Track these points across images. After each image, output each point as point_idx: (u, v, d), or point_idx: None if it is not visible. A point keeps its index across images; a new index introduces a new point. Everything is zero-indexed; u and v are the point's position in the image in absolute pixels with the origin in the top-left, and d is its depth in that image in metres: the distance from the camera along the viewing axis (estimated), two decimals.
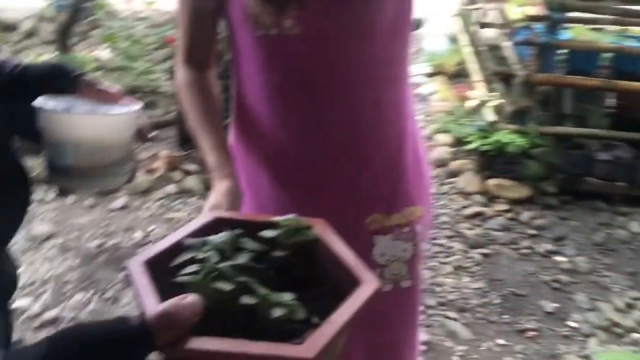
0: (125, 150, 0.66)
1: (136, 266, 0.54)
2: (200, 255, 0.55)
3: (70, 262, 2.40)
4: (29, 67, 0.71)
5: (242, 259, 0.56)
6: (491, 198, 2.89)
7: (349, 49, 0.92)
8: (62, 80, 0.69)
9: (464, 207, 2.86)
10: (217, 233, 0.59)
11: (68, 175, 0.64)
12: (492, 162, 2.95)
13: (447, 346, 2.00)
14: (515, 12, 3.02)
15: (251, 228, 0.61)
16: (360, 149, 0.98)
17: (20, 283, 0.80)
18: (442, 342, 2.02)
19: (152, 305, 0.46)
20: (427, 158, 1.17)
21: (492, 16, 3.96)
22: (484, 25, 4.23)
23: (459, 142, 3.24)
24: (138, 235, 2.60)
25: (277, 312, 0.50)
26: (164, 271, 0.54)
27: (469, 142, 3.06)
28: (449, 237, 2.64)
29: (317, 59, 0.91)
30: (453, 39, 4.61)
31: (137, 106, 0.67)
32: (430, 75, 4.22)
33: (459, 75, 4.10)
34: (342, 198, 1.00)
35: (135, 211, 2.79)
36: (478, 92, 3.33)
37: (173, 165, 3.04)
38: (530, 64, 2.98)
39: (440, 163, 3.18)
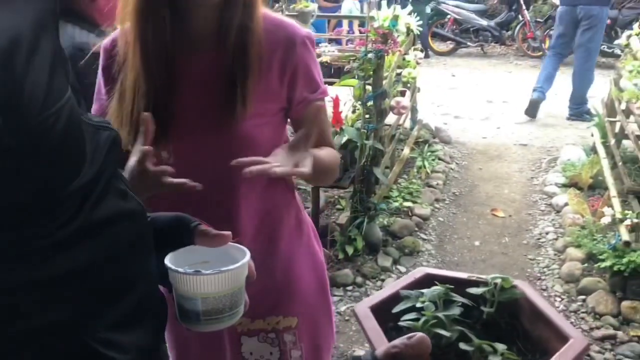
0: (241, 292, 0.78)
1: (363, 310, 0.67)
2: (418, 305, 0.65)
3: None
4: (156, 221, 0.79)
5: (453, 310, 0.65)
6: (625, 321, 2.77)
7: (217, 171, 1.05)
8: (184, 233, 0.79)
9: (594, 328, 2.75)
10: (427, 287, 0.66)
11: (195, 319, 0.76)
12: (627, 283, 2.84)
13: None
14: None
15: (458, 284, 0.69)
16: None
17: None
18: None
19: (381, 343, 0.52)
20: (318, 270, 1.21)
21: (631, 128, 3.89)
22: (622, 137, 4.16)
23: (591, 258, 3.16)
24: None
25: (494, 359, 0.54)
26: (384, 316, 0.62)
27: (602, 260, 2.98)
28: None
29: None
30: (591, 150, 4.55)
31: (247, 252, 0.79)
32: (564, 186, 4.17)
33: (594, 188, 4.01)
34: None
35: None
36: (613, 208, 3.25)
37: None
38: None
39: (571, 279, 3.11)
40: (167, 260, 0.76)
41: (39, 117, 0.52)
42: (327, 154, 1.18)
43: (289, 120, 1.22)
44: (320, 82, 1.18)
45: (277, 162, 0.99)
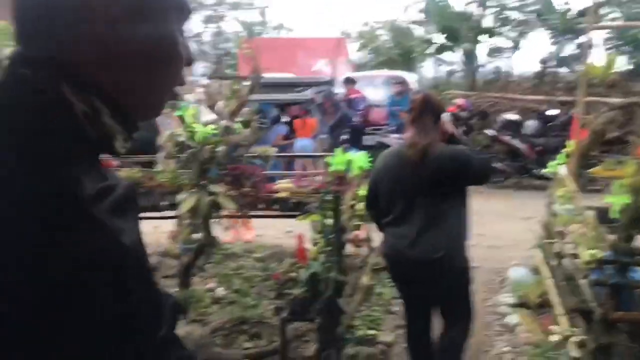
0: None
1: None
2: None
3: None
4: None
5: None
6: None
7: None
8: None
9: None
10: None
11: None
12: None
13: None
14: (586, 254, 3.31)
15: None
16: None
17: None
18: None
19: None
20: None
21: (567, 249, 4.24)
22: (562, 257, 4.51)
23: None
24: None
25: None
26: None
27: None
28: None
29: None
30: (536, 270, 4.87)
31: None
32: (515, 305, 4.42)
33: (543, 307, 4.28)
34: None
35: None
36: (561, 326, 3.50)
37: None
38: (606, 302, 3.18)
39: None
40: None
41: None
42: None
43: None
44: None
45: None
